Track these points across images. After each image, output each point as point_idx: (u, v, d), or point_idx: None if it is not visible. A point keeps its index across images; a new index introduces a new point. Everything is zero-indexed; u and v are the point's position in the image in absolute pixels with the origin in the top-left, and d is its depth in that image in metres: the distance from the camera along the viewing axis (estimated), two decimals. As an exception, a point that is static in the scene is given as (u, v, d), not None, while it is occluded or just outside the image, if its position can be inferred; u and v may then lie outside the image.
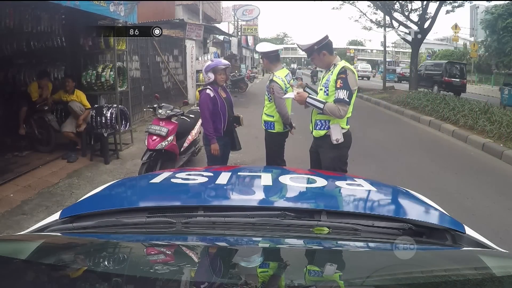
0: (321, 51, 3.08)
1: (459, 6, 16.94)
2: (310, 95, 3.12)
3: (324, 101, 3.03)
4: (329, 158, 3.15)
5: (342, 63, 3.04)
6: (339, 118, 3.01)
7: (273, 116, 3.86)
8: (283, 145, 4.06)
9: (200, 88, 4.03)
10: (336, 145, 3.08)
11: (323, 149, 3.20)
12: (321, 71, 3.68)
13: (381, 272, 0.93)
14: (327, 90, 3.07)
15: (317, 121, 3.17)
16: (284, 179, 1.74)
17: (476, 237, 1.26)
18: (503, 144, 6.87)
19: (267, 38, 62.23)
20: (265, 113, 3.94)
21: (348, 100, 2.95)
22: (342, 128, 3.10)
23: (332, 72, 3.04)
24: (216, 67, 3.69)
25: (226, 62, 3.84)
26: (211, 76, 3.69)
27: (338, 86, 2.95)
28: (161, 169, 4.42)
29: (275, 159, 4.02)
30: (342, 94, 2.93)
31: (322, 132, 3.15)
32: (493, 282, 0.87)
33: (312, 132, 3.29)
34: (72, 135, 5.88)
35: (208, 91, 3.69)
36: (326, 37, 3.08)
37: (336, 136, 3.06)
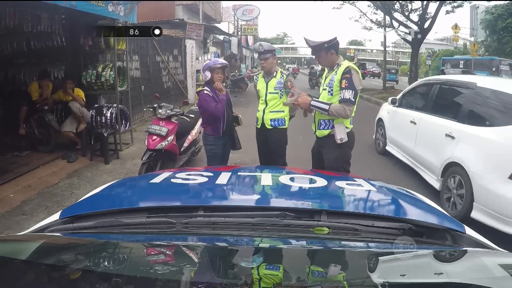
0: (330, 50, 3.12)
1: (458, 6, 16.95)
2: (314, 99, 3.13)
3: (328, 102, 3.04)
4: (333, 158, 3.16)
5: (346, 63, 3.07)
6: (345, 118, 3.03)
7: (283, 111, 3.83)
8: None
9: (199, 89, 3.99)
10: (340, 144, 3.09)
11: (327, 149, 3.20)
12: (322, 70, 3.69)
13: (381, 272, 0.93)
14: (331, 90, 3.08)
15: (321, 121, 3.18)
16: (284, 179, 1.74)
17: (476, 237, 1.26)
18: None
19: (267, 38, 62.19)
20: (271, 111, 3.83)
21: (353, 100, 2.97)
22: (346, 127, 3.11)
23: (336, 72, 3.06)
24: (212, 66, 3.69)
25: (223, 61, 3.85)
26: (208, 74, 3.69)
27: (343, 86, 2.96)
28: (161, 169, 4.42)
29: (282, 157, 3.97)
30: (348, 94, 2.94)
31: (326, 132, 3.16)
32: (493, 282, 0.87)
33: (315, 132, 3.29)
34: (72, 135, 5.88)
35: (206, 91, 3.69)
36: (336, 38, 3.14)
37: (340, 135, 3.07)
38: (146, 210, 1.31)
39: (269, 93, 3.83)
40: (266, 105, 3.86)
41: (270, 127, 3.86)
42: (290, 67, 35.71)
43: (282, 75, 3.84)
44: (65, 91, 5.79)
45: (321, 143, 3.28)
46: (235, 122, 3.98)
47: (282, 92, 3.78)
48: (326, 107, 3.01)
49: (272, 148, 3.95)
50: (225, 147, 3.93)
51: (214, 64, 3.72)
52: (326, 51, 3.12)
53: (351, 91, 2.94)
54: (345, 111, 2.96)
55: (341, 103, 2.98)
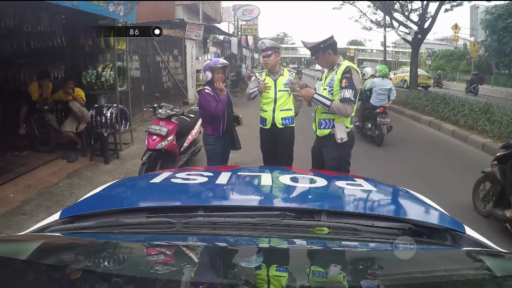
0: (327, 50, 3.11)
1: (458, 5, 16.95)
2: (316, 92, 3.13)
3: (331, 98, 3.04)
4: (333, 157, 3.16)
5: (346, 63, 3.07)
6: (345, 116, 3.03)
7: (291, 110, 3.84)
8: None
9: (199, 88, 3.98)
10: (340, 144, 3.09)
11: (327, 148, 3.20)
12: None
13: (381, 272, 0.93)
14: (332, 89, 3.08)
15: (321, 120, 3.18)
16: (284, 179, 1.74)
17: (476, 237, 1.26)
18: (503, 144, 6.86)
19: (267, 38, 62.13)
20: (282, 110, 3.78)
21: (353, 99, 2.97)
22: (346, 127, 3.11)
23: (336, 71, 3.06)
24: (213, 66, 3.69)
25: (224, 61, 3.85)
26: (209, 74, 3.69)
27: (344, 85, 2.97)
28: (161, 169, 4.42)
29: (290, 155, 3.95)
30: (348, 93, 2.95)
31: (326, 131, 3.16)
32: (493, 282, 0.87)
33: (315, 132, 3.29)
34: (72, 134, 5.88)
35: (207, 90, 3.69)
36: (332, 37, 3.12)
37: (341, 135, 3.08)
38: (146, 210, 1.31)
39: (279, 91, 3.78)
40: (275, 104, 3.78)
41: (282, 126, 3.81)
42: (290, 67, 35.86)
43: (291, 73, 3.85)
44: (65, 91, 5.79)
45: (321, 143, 3.28)
46: (235, 122, 3.99)
47: (291, 90, 3.76)
48: (328, 102, 3.02)
49: (281, 147, 3.91)
50: (225, 147, 3.93)
51: (215, 64, 3.71)
52: (323, 52, 3.12)
53: (351, 90, 2.95)
54: (346, 110, 2.97)
55: (342, 102, 2.98)
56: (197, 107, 4.45)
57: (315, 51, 3.16)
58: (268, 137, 3.95)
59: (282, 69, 3.90)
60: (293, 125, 3.90)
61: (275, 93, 3.79)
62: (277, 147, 3.94)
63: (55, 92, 5.95)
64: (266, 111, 3.85)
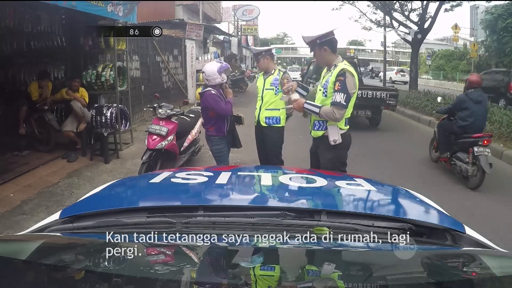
0: (323, 47, 3.02)
1: (457, 5, 16.94)
2: (306, 101, 3.10)
3: (320, 105, 3.02)
4: (327, 159, 3.13)
5: (342, 65, 2.98)
6: (334, 121, 2.98)
7: (278, 110, 3.91)
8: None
9: (201, 90, 4.01)
10: (334, 145, 3.05)
11: (321, 149, 3.18)
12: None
13: (381, 272, 0.93)
14: (326, 91, 3.04)
15: (315, 121, 3.16)
16: (284, 179, 1.74)
17: (476, 237, 1.26)
18: (503, 144, 6.87)
19: (267, 38, 62.16)
20: (267, 109, 3.95)
21: (345, 104, 2.91)
22: (341, 129, 3.06)
23: (331, 73, 3.02)
24: (227, 69, 3.84)
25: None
26: (225, 76, 3.79)
27: (336, 88, 2.91)
28: (161, 169, 4.43)
29: (277, 155, 4.02)
30: (339, 97, 2.89)
31: (320, 133, 3.13)
32: (493, 282, 0.87)
33: (310, 132, 3.28)
34: (72, 134, 5.88)
35: (213, 92, 3.71)
36: (331, 33, 3.03)
37: (334, 137, 3.04)
38: (146, 210, 1.31)
39: (265, 89, 3.96)
40: (262, 101, 3.97)
41: (265, 125, 3.96)
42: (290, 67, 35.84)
43: (279, 73, 3.96)
44: (71, 88, 5.79)
45: (316, 144, 3.26)
46: (237, 122, 4.03)
47: (278, 89, 3.88)
48: (317, 110, 2.99)
49: (267, 146, 4.04)
50: (228, 146, 4.02)
51: (227, 67, 3.87)
52: (319, 48, 3.04)
53: (343, 94, 2.89)
54: (334, 114, 2.91)
55: (331, 106, 2.94)
56: (198, 107, 4.47)
57: (311, 46, 3.10)
58: (257, 134, 4.14)
59: (275, 68, 4.03)
60: (280, 125, 3.96)
61: (262, 91, 3.97)
62: (265, 146, 4.06)
63: (55, 92, 5.94)
64: (256, 108, 4.07)
